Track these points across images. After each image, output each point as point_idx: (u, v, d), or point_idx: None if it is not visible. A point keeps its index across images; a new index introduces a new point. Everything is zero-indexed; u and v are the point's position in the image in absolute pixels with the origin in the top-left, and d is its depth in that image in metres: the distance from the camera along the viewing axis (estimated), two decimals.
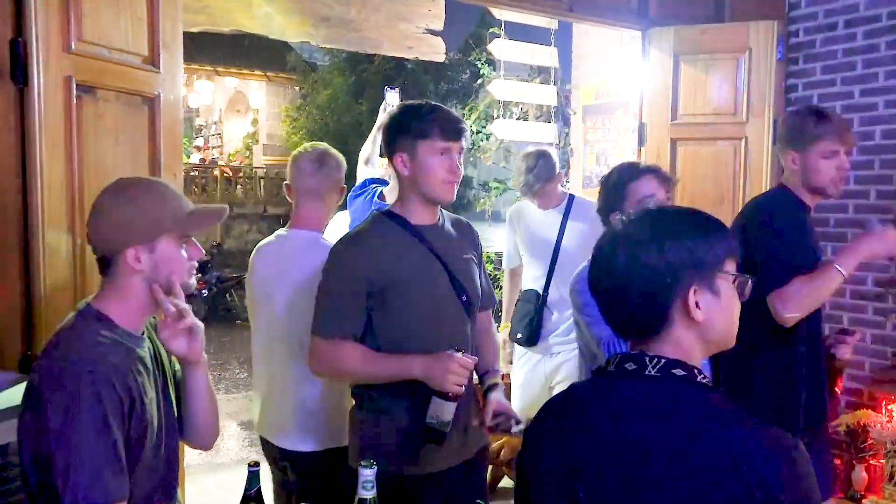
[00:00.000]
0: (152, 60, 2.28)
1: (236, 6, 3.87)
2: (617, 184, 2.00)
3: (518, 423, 1.96)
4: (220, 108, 19.12)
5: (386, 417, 1.88)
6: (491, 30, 5.09)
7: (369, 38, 4.27)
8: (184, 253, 1.46)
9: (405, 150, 1.85)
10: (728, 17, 3.78)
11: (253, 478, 1.51)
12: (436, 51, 4.73)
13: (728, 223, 3.89)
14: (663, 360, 1.06)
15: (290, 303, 2.17)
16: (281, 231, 2.33)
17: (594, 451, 1.05)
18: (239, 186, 15.46)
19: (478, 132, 5.60)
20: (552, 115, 5.16)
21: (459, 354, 1.76)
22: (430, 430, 1.76)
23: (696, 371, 1.06)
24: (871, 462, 3.27)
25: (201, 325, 1.50)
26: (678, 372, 1.05)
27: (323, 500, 2.11)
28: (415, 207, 1.90)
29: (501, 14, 4.75)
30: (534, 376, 3.35)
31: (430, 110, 1.85)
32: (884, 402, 3.44)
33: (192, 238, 1.49)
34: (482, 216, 6.37)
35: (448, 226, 1.99)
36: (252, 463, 1.53)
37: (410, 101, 1.94)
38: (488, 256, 5.83)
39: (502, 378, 2.15)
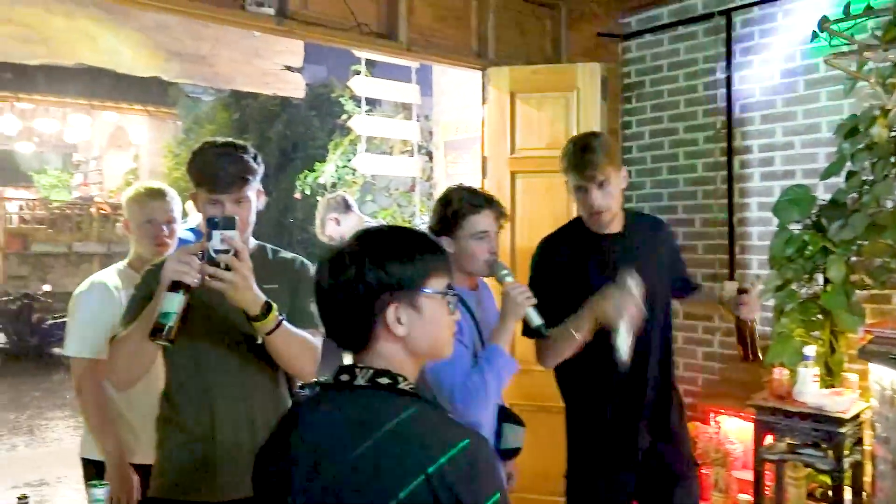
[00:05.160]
0: None
1: (79, 38, 3.78)
2: (456, 213, 1.99)
3: None
4: (100, 143, 18.35)
5: (173, 434, 1.81)
6: (353, 67, 5.19)
7: (223, 73, 4.27)
8: None
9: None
10: (565, 59, 4.04)
11: None
12: (295, 87, 4.79)
13: None
14: (371, 371, 1.13)
15: None
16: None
17: (303, 460, 1.10)
18: (118, 224, 14.83)
19: (343, 166, 5.68)
20: (416, 150, 5.30)
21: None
22: (156, 325, 1.53)
23: (399, 379, 1.13)
24: (700, 472, 3.50)
25: None
26: (384, 381, 1.12)
27: None
28: None
29: (360, 52, 4.86)
30: None
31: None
32: (712, 415, 3.70)
33: None
34: None
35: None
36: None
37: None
38: None
39: None
